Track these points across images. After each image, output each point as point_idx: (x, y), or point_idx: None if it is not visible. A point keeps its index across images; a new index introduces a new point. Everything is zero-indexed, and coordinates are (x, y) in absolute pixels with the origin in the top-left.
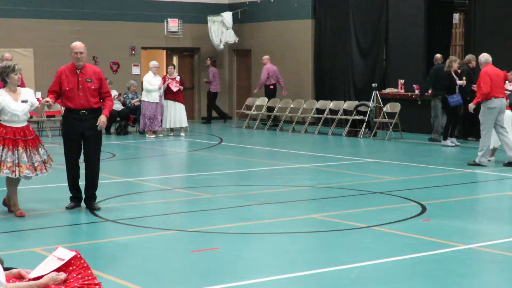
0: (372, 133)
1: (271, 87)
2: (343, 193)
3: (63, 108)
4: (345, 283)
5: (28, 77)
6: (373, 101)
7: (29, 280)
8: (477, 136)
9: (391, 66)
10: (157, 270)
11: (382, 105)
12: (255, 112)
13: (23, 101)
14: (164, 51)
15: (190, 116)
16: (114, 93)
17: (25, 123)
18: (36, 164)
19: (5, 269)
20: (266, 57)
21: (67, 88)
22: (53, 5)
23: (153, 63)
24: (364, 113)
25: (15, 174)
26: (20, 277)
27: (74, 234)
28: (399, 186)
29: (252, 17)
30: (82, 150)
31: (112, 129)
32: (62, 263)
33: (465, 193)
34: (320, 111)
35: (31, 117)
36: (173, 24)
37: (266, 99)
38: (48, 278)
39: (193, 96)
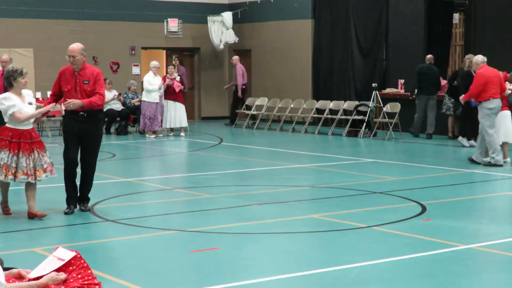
0: (372, 133)
1: (243, 86)
2: (343, 193)
3: (63, 108)
4: (345, 283)
5: (28, 77)
6: (373, 101)
7: (29, 280)
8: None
9: (391, 66)
10: (157, 270)
11: (382, 105)
12: (255, 112)
13: (29, 103)
14: (164, 51)
15: (190, 116)
16: (114, 93)
17: (31, 126)
18: (45, 166)
19: (5, 269)
20: (236, 57)
21: (65, 90)
22: (53, 5)
23: (154, 63)
24: (364, 113)
25: (16, 180)
26: (20, 277)
27: (74, 234)
28: (399, 186)
29: (252, 17)
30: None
31: (112, 129)
32: (62, 263)
33: (465, 193)
34: (320, 111)
35: None
36: (173, 24)
37: (266, 99)
38: (48, 278)
39: (193, 96)
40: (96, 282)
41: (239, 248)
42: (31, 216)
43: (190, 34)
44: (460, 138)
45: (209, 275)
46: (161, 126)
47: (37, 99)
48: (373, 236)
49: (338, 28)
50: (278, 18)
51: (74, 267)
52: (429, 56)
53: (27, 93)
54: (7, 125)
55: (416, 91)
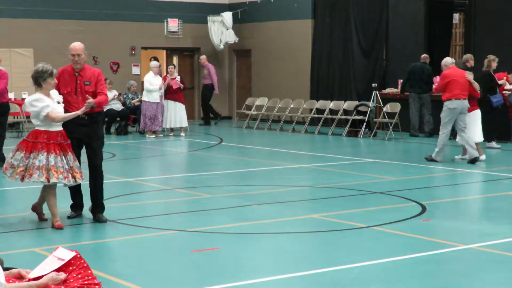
0: (372, 133)
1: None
2: (343, 193)
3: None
4: (345, 283)
5: (28, 77)
6: (373, 101)
7: (29, 280)
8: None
9: (391, 66)
10: (157, 270)
11: (382, 105)
12: (255, 112)
13: (58, 102)
14: (164, 51)
15: (190, 116)
16: (114, 93)
17: (61, 127)
18: (79, 169)
19: (5, 269)
20: (203, 56)
21: (65, 92)
22: (53, 5)
23: (154, 63)
24: (364, 113)
25: (69, 180)
26: (20, 277)
27: (74, 234)
28: (399, 186)
29: (252, 17)
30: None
31: (112, 129)
32: (62, 263)
33: (465, 193)
34: (320, 111)
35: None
36: (173, 24)
37: (266, 99)
38: (48, 278)
39: (193, 96)
40: (96, 282)
41: (239, 248)
42: (34, 210)
43: (190, 34)
44: (487, 144)
45: (209, 275)
46: (161, 126)
47: None
48: (373, 236)
49: (338, 28)
50: (278, 18)
51: (74, 267)
52: (424, 55)
53: (53, 93)
54: (38, 128)
55: (405, 89)
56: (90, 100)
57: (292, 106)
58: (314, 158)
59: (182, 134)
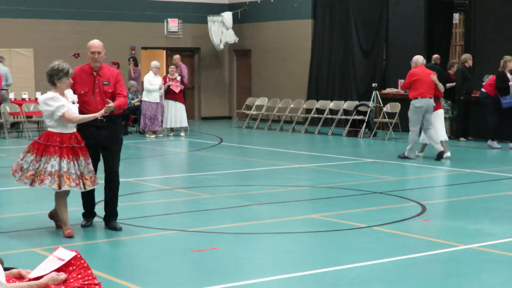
0: (372, 133)
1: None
2: (343, 193)
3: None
4: (345, 283)
5: (28, 77)
6: (373, 101)
7: (29, 280)
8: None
9: (391, 66)
10: (157, 270)
11: (382, 105)
12: (255, 112)
13: (72, 102)
14: (164, 51)
15: (190, 116)
16: None
17: (75, 129)
18: (89, 175)
19: (5, 269)
20: (177, 56)
21: (81, 92)
22: (53, 5)
23: (154, 63)
24: (364, 113)
25: (80, 187)
26: (20, 277)
27: (74, 234)
28: (399, 186)
29: (252, 17)
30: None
31: None
32: (62, 263)
33: (465, 193)
34: (320, 111)
35: (31, 117)
36: (173, 24)
37: (266, 99)
38: (48, 278)
39: (193, 96)
40: (96, 282)
41: (239, 248)
42: (51, 218)
43: (190, 34)
44: (489, 141)
45: (209, 275)
46: (161, 126)
47: (36, 99)
48: (373, 236)
49: (338, 28)
50: (278, 18)
51: (74, 267)
52: (435, 56)
53: (68, 92)
54: (50, 129)
55: None
56: (111, 104)
57: (292, 106)
58: (314, 158)
59: (182, 134)
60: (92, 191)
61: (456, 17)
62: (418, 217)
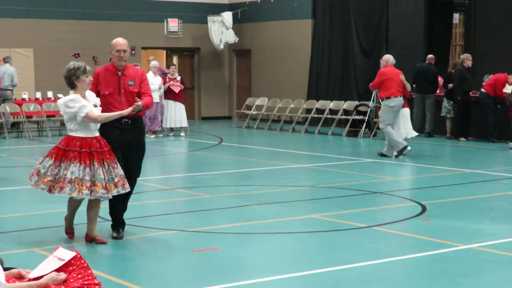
0: (372, 133)
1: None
2: (343, 193)
3: None
4: (345, 283)
5: (28, 77)
6: (373, 101)
7: (29, 280)
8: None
9: None
10: (157, 270)
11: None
12: (255, 112)
13: (94, 105)
14: (164, 51)
15: (190, 116)
16: None
17: (98, 133)
18: (116, 180)
19: (5, 269)
20: (152, 57)
21: (106, 93)
22: (53, 5)
23: (154, 63)
24: (364, 113)
25: (93, 194)
26: (20, 277)
27: (75, 234)
28: (399, 186)
29: (252, 17)
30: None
31: None
32: (62, 263)
33: (465, 193)
34: (320, 111)
35: (31, 117)
36: (173, 24)
37: (266, 99)
38: (48, 278)
39: (193, 96)
40: (96, 282)
41: (239, 248)
42: (89, 239)
43: (190, 34)
44: (510, 144)
45: (209, 275)
46: (161, 126)
47: (36, 99)
48: (373, 236)
49: (338, 28)
50: (278, 18)
51: (74, 267)
52: (429, 56)
53: (90, 94)
54: (71, 133)
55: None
56: (139, 102)
57: (292, 106)
58: (314, 158)
59: (182, 134)
60: (125, 197)
61: (456, 17)
62: (418, 217)
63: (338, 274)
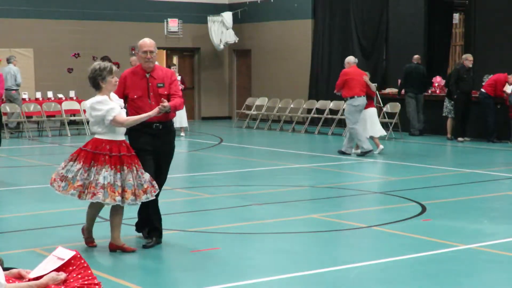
0: None
1: None
2: (343, 193)
3: None
4: (345, 283)
5: (28, 77)
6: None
7: (29, 280)
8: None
9: (391, 66)
10: (157, 270)
11: (382, 105)
12: (255, 112)
13: (121, 108)
14: (164, 51)
15: (190, 116)
16: None
17: (124, 136)
18: (145, 185)
19: (5, 269)
20: (134, 58)
21: (135, 96)
22: (53, 5)
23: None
24: None
25: (123, 201)
26: (20, 277)
27: (74, 234)
28: (399, 186)
29: (252, 17)
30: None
31: None
32: (62, 263)
33: (465, 193)
34: (320, 111)
35: (31, 117)
36: (173, 24)
37: (266, 99)
38: (48, 278)
39: (193, 96)
40: (96, 282)
41: (240, 248)
42: (114, 248)
43: (190, 34)
44: None
45: (209, 275)
46: None
47: (36, 99)
48: (373, 236)
49: (338, 28)
50: (278, 18)
51: (74, 267)
52: (416, 56)
53: (113, 97)
54: (98, 136)
55: (403, 90)
56: (166, 103)
57: (292, 106)
58: (314, 158)
59: (182, 134)
60: (155, 203)
61: (456, 17)
62: (418, 217)
63: (338, 274)
